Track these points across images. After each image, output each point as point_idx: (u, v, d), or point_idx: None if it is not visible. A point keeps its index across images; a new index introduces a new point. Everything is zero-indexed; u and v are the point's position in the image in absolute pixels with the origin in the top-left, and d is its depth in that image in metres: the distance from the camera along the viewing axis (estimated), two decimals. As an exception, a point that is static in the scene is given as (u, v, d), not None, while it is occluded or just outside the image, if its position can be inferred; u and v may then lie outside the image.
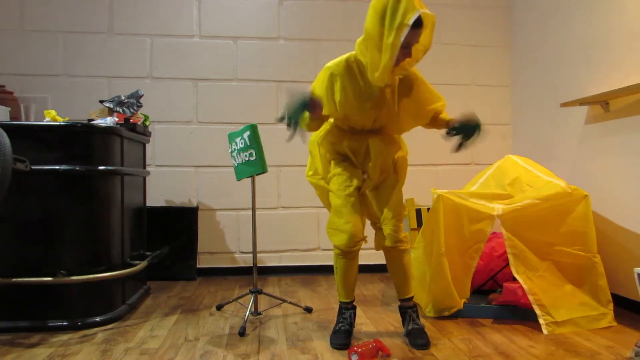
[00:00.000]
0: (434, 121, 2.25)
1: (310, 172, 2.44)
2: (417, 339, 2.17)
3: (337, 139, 2.26)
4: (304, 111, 1.95)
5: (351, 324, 2.29)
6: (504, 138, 4.10)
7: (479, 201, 2.65)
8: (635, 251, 2.68)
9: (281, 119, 1.93)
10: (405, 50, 1.90)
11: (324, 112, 2.09)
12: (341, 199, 2.18)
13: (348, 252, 2.19)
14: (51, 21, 3.63)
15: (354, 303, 2.35)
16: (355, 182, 2.20)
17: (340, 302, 2.33)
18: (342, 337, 2.19)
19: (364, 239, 2.20)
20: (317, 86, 2.14)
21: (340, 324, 2.27)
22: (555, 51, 3.43)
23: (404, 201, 2.26)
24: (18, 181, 2.24)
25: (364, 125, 2.20)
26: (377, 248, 2.29)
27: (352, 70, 2.07)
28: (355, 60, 2.07)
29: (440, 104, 2.23)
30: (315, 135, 2.38)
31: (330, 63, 2.11)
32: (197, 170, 3.79)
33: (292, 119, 1.90)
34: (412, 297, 2.31)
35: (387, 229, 2.18)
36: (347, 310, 2.31)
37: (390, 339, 2.29)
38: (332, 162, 2.28)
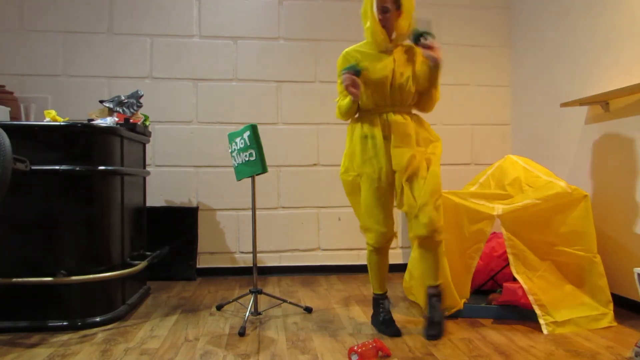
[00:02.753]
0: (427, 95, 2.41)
1: (343, 169, 2.47)
2: (429, 329, 2.27)
3: (363, 121, 2.36)
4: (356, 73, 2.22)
5: (390, 312, 2.45)
6: (504, 138, 4.10)
7: (479, 201, 2.65)
8: (635, 251, 2.68)
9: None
10: (386, 15, 2.25)
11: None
12: (370, 199, 2.31)
13: (380, 249, 2.38)
14: (51, 21, 3.63)
15: (387, 294, 2.50)
16: (383, 179, 2.29)
17: (375, 294, 2.49)
18: (392, 325, 2.38)
19: (394, 235, 2.37)
20: (339, 69, 2.35)
21: (382, 314, 2.43)
22: (555, 51, 3.43)
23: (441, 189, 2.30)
24: (18, 181, 2.24)
25: (384, 94, 2.29)
26: (411, 237, 2.30)
27: (364, 47, 2.38)
28: (367, 42, 2.38)
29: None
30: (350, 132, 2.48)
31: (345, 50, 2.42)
32: (197, 170, 3.79)
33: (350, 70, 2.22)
34: (439, 285, 2.31)
35: (423, 218, 2.20)
36: (383, 300, 2.47)
37: (390, 339, 2.29)
38: (361, 157, 2.34)
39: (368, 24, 2.29)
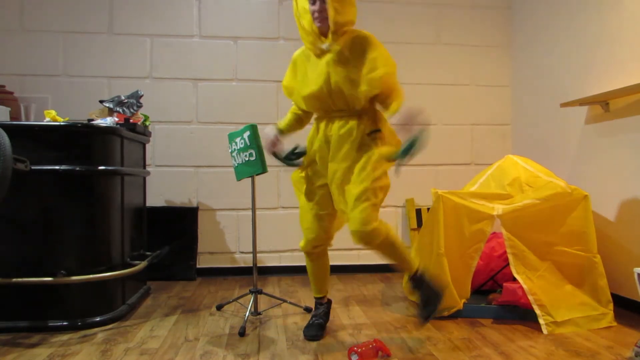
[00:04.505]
0: (382, 102, 2.11)
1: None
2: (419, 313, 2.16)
3: (316, 123, 2.25)
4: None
5: (321, 317, 2.40)
6: (504, 138, 4.10)
7: (479, 201, 2.65)
8: (635, 251, 2.68)
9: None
10: (315, 6, 1.99)
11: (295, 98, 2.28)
12: (304, 200, 2.27)
13: (308, 253, 2.33)
14: (51, 21, 3.63)
15: (327, 298, 2.48)
16: (317, 185, 2.21)
17: (314, 297, 2.48)
18: (313, 329, 2.33)
19: (325, 243, 2.30)
20: (285, 79, 2.31)
21: (313, 318, 2.41)
22: (555, 51, 3.43)
23: (377, 181, 2.02)
24: (18, 181, 2.24)
25: (326, 102, 2.10)
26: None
27: (307, 52, 2.19)
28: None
29: (379, 72, 2.01)
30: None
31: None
32: (197, 170, 3.79)
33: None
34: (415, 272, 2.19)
35: (352, 226, 1.99)
36: (319, 304, 2.44)
37: (390, 339, 2.29)
38: (306, 158, 2.26)
39: (299, 24, 2.08)
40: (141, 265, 2.72)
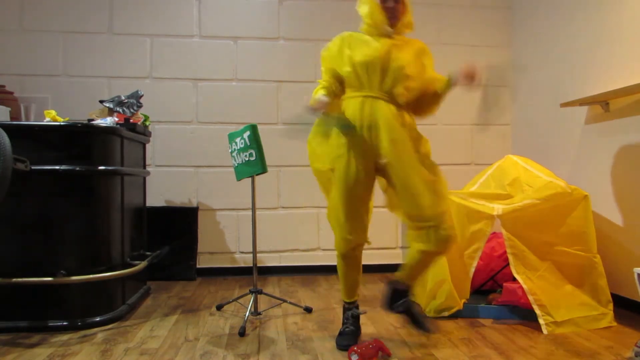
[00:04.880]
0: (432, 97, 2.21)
1: (312, 158, 2.27)
2: (420, 325, 2.14)
3: (345, 106, 2.14)
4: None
5: (353, 324, 2.25)
6: (504, 138, 4.10)
7: (479, 201, 2.65)
8: (635, 251, 2.68)
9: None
10: (397, 5, 2.07)
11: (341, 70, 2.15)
12: (338, 200, 2.09)
13: (344, 255, 2.18)
14: (51, 21, 3.63)
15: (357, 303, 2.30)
16: (359, 178, 2.05)
17: (343, 301, 2.31)
18: (346, 337, 2.18)
19: (363, 243, 2.17)
20: (328, 49, 2.23)
21: (344, 325, 2.26)
22: (555, 51, 3.43)
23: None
24: (18, 181, 2.24)
25: (374, 76, 2.05)
26: (419, 250, 2.04)
27: (359, 32, 2.19)
28: (366, 29, 2.18)
29: (441, 81, 2.19)
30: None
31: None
32: (197, 170, 3.79)
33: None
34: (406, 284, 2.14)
35: (442, 231, 1.96)
36: (349, 309, 2.27)
37: (390, 339, 2.29)
38: (335, 149, 2.09)
39: (366, 9, 2.10)
40: (141, 265, 2.72)
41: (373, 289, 3.32)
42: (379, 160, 2.04)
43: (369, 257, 3.81)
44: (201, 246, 3.75)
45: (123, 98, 3.07)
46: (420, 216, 1.98)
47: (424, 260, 2.05)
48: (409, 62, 2.07)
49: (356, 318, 2.28)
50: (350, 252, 2.16)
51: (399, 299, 2.10)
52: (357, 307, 2.30)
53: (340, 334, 2.23)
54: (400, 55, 2.07)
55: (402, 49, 2.09)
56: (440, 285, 2.61)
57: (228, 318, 2.64)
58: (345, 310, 2.29)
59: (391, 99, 2.06)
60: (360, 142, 2.04)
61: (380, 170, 2.10)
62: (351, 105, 2.09)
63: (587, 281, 2.55)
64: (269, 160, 2.70)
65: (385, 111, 2.03)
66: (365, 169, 2.06)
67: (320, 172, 2.23)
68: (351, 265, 2.20)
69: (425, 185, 1.99)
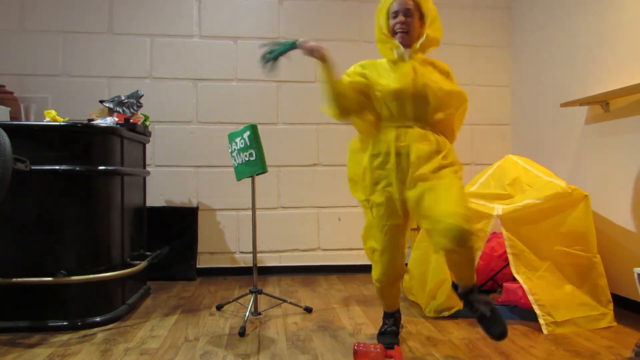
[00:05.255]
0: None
1: (351, 184, 2.25)
2: (492, 327, 1.92)
3: (376, 137, 2.08)
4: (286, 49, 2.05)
5: (393, 325, 2.24)
6: (504, 138, 4.10)
7: (479, 201, 2.65)
8: (635, 251, 2.68)
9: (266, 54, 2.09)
10: (408, 19, 2.00)
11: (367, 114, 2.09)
12: (379, 233, 2.05)
13: (383, 286, 2.15)
14: (51, 21, 3.63)
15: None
16: (397, 210, 2.00)
17: (384, 311, 2.29)
18: (389, 336, 2.18)
19: (403, 274, 2.16)
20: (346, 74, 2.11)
21: (385, 326, 2.24)
22: (555, 51, 3.43)
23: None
24: (18, 181, 2.24)
25: (403, 106, 1.99)
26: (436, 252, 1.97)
27: (379, 60, 2.13)
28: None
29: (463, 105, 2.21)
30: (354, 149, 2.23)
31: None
32: (197, 170, 3.79)
33: (273, 53, 2.11)
34: (472, 284, 1.99)
35: (445, 225, 1.81)
36: (391, 316, 2.26)
37: (390, 339, 2.29)
38: (370, 183, 2.07)
39: (375, 29, 2.07)
40: (141, 265, 2.72)
41: (373, 289, 3.31)
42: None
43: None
44: (201, 246, 3.75)
45: (123, 98, 3.07)
46: (433, 216, 1.87)
47: (456, 260, 1.90)
48: (438, 85, 2.01)
49: (397, 319, 2.28)
50: (391, 282, 2.13)
51: (475, 302, 1.95)
52: (398, 311, 2.30)
53: (382, 333, 2.22)
54: (426, 73, 2.01)
55: (426, 71, 2.02)
56: (440, 285, 2.61)
57: (228, 318, 2.64)
58: (385, 315, 2.28)
59: (424, 124, 2.02)
60: (398, 170, 1.99)
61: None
62: (381, 133, 2.06)
63: (587, 281, 2.55)
64: (269, 160, 2.70)
65: (412, 139, 1.99)
66: (401, 199, 1.99)
67: (359, 200, 2.21)
68: (390, 291, 2.19)
69: (446, 193, 1.89)
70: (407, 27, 2.00)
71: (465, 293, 1.98)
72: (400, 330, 2.29)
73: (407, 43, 2.02)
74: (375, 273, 2.12)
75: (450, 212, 1.79)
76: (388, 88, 2.00)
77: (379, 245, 2.05)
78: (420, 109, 2.00)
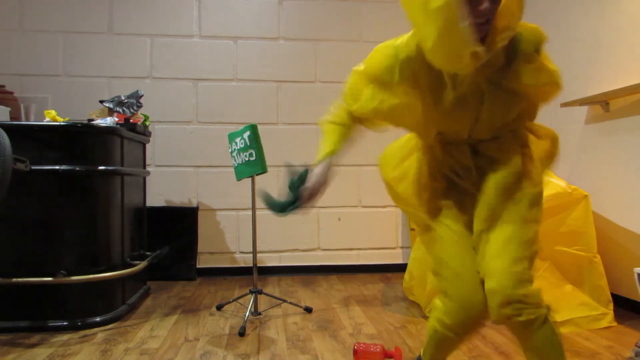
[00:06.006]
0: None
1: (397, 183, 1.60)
2: None
3: (431, 157, 1.48)
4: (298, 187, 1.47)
5: None
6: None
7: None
8: (635, 251, 2.68)
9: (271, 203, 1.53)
10: (480, 8, 1.16)
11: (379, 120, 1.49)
12: (457, 248, 1.37)
13: (459, 333, 1.37)
14: (51, 21, 3.63)
15: None
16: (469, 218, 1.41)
17: None
18: None
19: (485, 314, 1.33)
20: (373, 67, 1.39)
21: None
22: (555, 51, 3.42)
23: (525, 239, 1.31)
24: (18, 181, 2.24)
25: (458, 133, 1.41)
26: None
27: (423, 57, 1.28)
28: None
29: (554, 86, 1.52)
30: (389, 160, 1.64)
31: (393, 42, 1.36)
32: (197, 170, 3.79)
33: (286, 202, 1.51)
34: None
35: (490, 283, 1.26)
36: None
37: (390, 338, 2.29)
38: (432, 191, 1.47)
39: (433, 28, 1.15)
40: (141, 265, 2.72)
41: (373, 289, 3.33)
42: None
43: (369, 257, 3.84)
44: (201, 246, 3.75)
45: (123, 98, 3.07)
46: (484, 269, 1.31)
47: (525, 341, 1.32)
48: (508, 97, 1.36)
49: None
50: (474, 325, 1.36)
51: None
52: None
53: None
54: (496, 98, 1.34)
55: (498, 76, 1.32)
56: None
57: (228, 318, 2.65)
58: None
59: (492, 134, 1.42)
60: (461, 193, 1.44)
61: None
62: (442, 151, 1.47)
63: (587, 281, 2.55)
64: (269, 160, 2.70)
65: (491, 149, 1.44)
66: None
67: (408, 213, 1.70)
68: (461, 342, 1.47)
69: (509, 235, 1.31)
70: (492, 19, 1.23)
71: None
72: None
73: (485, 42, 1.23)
74: (445, 308, 1.35)
75: (499, 266, 1.26)
76: (430, 129, 1.42)
77: (461, 260, 1.36)
78: (484, 132, 1.41)
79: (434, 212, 1.45)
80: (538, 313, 1.24)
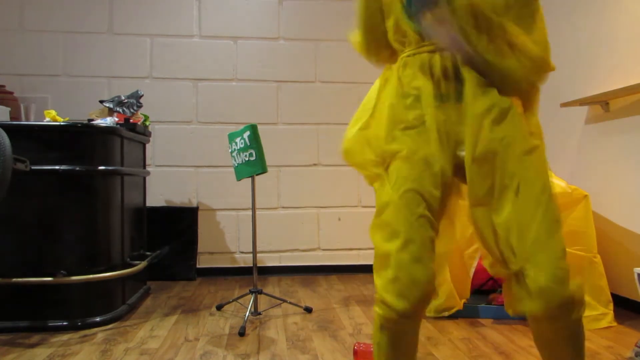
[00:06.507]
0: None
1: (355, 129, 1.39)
2: None
3: (405, 67, 1.27)
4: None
5: None
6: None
7: (479, 201, 2.65)
8: (635, 251, 2.68)
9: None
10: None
11: None
12: (395, 215, 1.16)
13: (397, 320, 1.13)
14: (51, 21, 3.63)
15: None
16: (431, 184, 1.22)
17: None
18: None
19: (433, 294, 1.17)
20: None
21: None
22: (556, 51, 3.41)
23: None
24: (18, 181, 2.24)
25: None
26: (510, 311, 1.24)
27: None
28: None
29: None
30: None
31: None
32: (197, 170, 3.79)
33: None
34: None
35: (540, 277, 1.11)
36: None
37: (390, 339, 2.29)
38: (387, 137, 1.24)
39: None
40: (141, 265, 2.72)
41: (373, 289, 3.32)
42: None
43: (369, 257, 3.82)
44: (201, 246, 3.75)
45: (123, 98, 3.07)
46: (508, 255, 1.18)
47: (547, 336, 1.23)
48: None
49: None
50: (418, 308, 1.14)
51: None
52: None
53: None
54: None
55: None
56: (440, 285, 2.60)
57: (228, 318, 2.65)
58: None
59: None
60: (431, 121, 1.21)
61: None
62: (413, 62, 1.29)
63: (587, 281, 2.54)
64: (269, 160, 2.70)
65: (472, 75, 1.21)
66: (443, 168, 1.27)
67: (365, 175, 1.47)
68: (404, 339, 1.21)
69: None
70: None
71: None
72: None
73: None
74: (381, 289, 1.14)
75: (543, 262, 1.13)
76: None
77: (402, 228, 1.18)
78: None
79: (386, 166, 1.25)
80: (584, 309, 1.14)
